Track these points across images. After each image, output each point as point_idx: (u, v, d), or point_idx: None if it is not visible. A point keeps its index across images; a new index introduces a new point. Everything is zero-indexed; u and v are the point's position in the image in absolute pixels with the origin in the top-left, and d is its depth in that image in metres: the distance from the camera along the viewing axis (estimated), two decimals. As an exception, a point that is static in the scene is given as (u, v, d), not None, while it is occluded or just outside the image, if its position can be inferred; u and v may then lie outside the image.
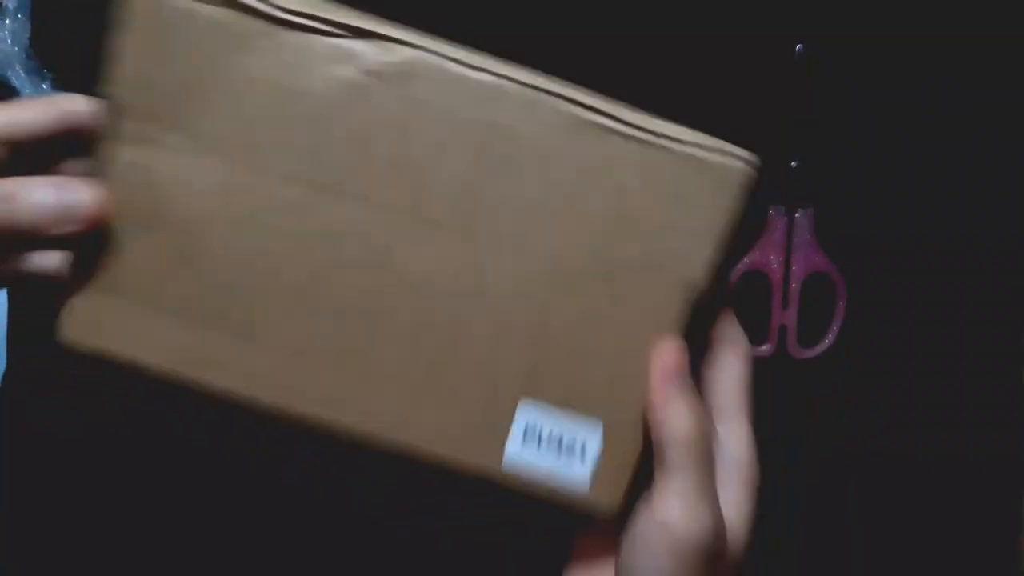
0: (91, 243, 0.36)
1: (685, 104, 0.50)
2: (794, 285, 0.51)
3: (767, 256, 0.51)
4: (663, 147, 0.36)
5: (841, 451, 0.53)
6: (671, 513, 0.36)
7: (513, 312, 0.36)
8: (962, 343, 0.53)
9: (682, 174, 0.36)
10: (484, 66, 0.35)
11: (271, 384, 0.37)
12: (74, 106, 0.37)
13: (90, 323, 0.37)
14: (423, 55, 0.35)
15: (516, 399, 0.37)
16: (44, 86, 0.53)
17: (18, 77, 0.53)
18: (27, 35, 0.53)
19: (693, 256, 0.36)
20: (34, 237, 0.36)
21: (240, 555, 0.53)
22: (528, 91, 0.35)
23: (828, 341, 0.52)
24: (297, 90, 0.35)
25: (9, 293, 0.55)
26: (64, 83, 0.53)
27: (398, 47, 0.35)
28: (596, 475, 0.37)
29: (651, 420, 0.37)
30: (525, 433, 0.37)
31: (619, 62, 0.50)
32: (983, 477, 0.55)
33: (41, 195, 0.35)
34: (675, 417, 0.37)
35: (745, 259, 0.51)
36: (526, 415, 0.37)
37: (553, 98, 0.35)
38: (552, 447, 0.37)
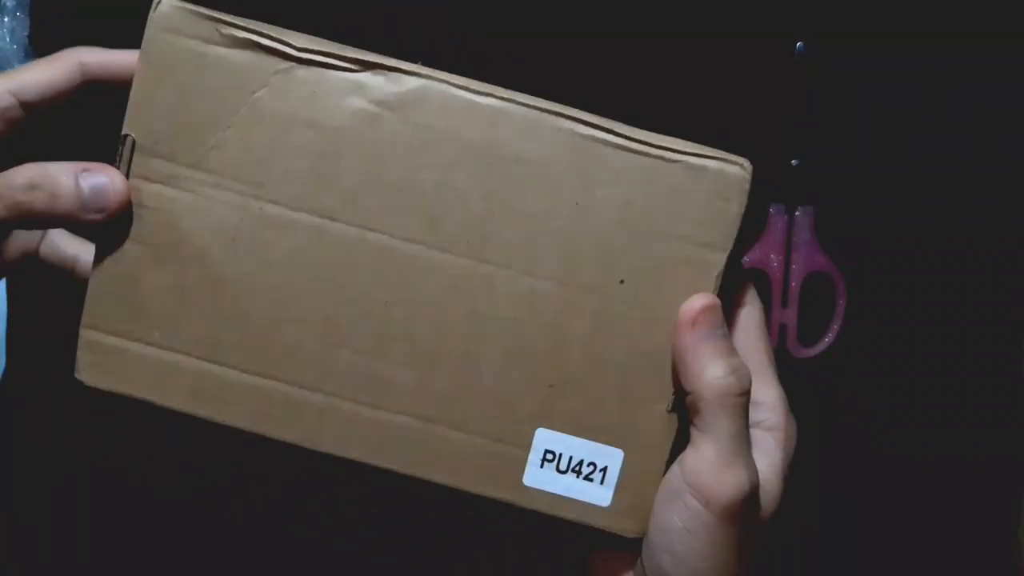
0: (107, 277, 0.37)
1: (686, 103, 0.50)
2: (794, 284, 0.51)
3: (767, 255, 0.51)
4: (662, 157, 0.37)
5: (841, 450, 0.53)
6: (706, 468, 0.35)
7: (527, 332, 0.37)
8: (962, 343, 0.53)
9: (683, 182, 0.36)
10: (487, 91, 0.37)
11: (288, 420, 0.37)
12: (89, 56, 0.37)
13: (107, 365, 0.37)
14: (429, 83, 0.36)
15: (534, 424, 0.37)
16: (43, 84, 0.53)
17: (17, 75, 0.53)
18: (26, 33, 0.53)
19: (701, 265, 0.37)
20: (54, 223, 0.36)
21: (240, 555, 0.53)
22: (530, 111, 0.36)
23: (828, 340, 0.52)
24: (311, 122, 0.36)
25: (9, 293, 0.55)
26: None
27: (405, 77, 0.36)
28: (617, 496, 0.37)
29: (681, 373, 0.36)
30: (543, 460, 0.37)
31: (620, 62, 0.50)
32: (983, 476, 0.55)
33: (67, 181, 0.35)
34: (708, 366, 0.36)
35: (745, 257, 0.51)
36: (544, 442, 0.37)
37: (554, 117, 0.37)
38: (571, 473, 0.37)
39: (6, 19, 0.53)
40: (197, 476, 0.52)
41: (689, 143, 0.37)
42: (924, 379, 0.53)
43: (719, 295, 0.37)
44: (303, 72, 0.36)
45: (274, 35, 0.36)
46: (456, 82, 0.37)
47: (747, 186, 0.37)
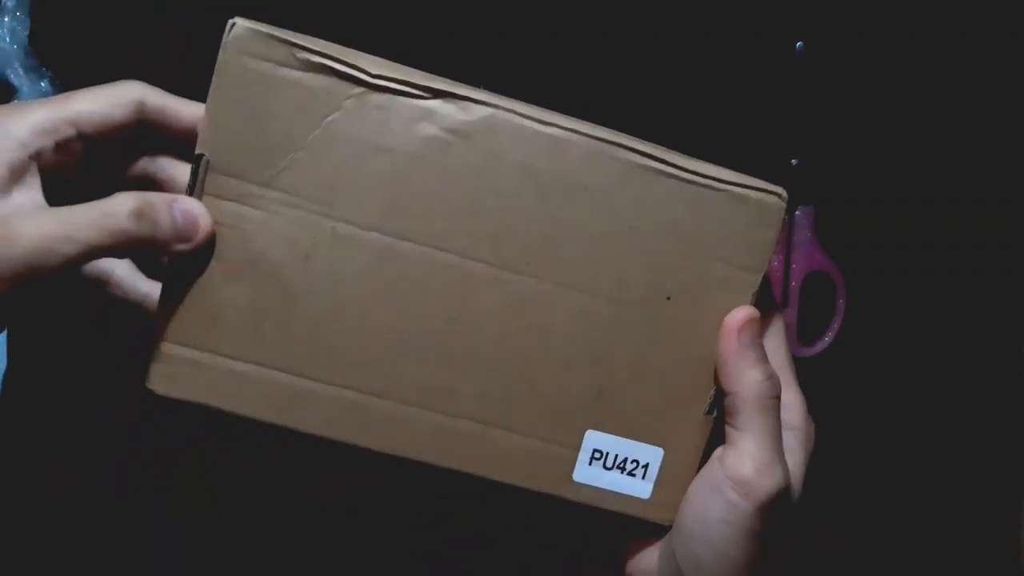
0: (180, 291, 0.38)
1: (686, 103, 0.50)
2: (794, 283, 0.51)
3: (767, 255, 0.51)
4: (709, 186, 0.39)
5: (841, 449, 0.53)
6: (747, 462, 0.38)
7: (581, 345, 0.40)
8: (962, 343, 0.53)
9: (727, 209, 0.39)
10: (552, 120, 0.38)
11: (357, 426, 0.39)
12: (152, 99, 0.38)
13: (179, 375, 0.39)
14: (497, 112, 0.38)
15: (584, 427, 0.40)
16: (43, 84, 0.53)
17: (17, 75, 0.53)
18: (26, 33, 0.53)
19: (739, 284, 0.40)
20: (149, 252, 0.37)
21: (241, 555, 0.53)
22: (592, 142, 0.39)
23: (828, 339, 0.52)
24: (381, 147, 0.38)
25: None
26: (63, 81, 0.53)
27: (475, 106, 0.38)
28: (656, 489, 0.41)
29: (723, 376, 0.39)
30: (591, 459, 0.40)
31: (621, 63, 0.50)
32: (983, 477, 0.54)
33: (167, 211, 0.36)
34: (749, 370, 0.39)
35: (745, 258, 0.51)
36: (593, 442, 0.40)
37: (613, 147, 0.39)
38: (616, 469, 0.41)
39: (6, 19, 0.53)
40: (197, 476, 0.52)
41: (732, 172, 0.39)
42: (924, 379, 0.53)
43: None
44: (376, 98, 0.38)
45: (349, 60, 0.37)
46: (521, 111, 0.38)
47: (783, 215, 0.40)
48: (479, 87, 0.39)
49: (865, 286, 0.52)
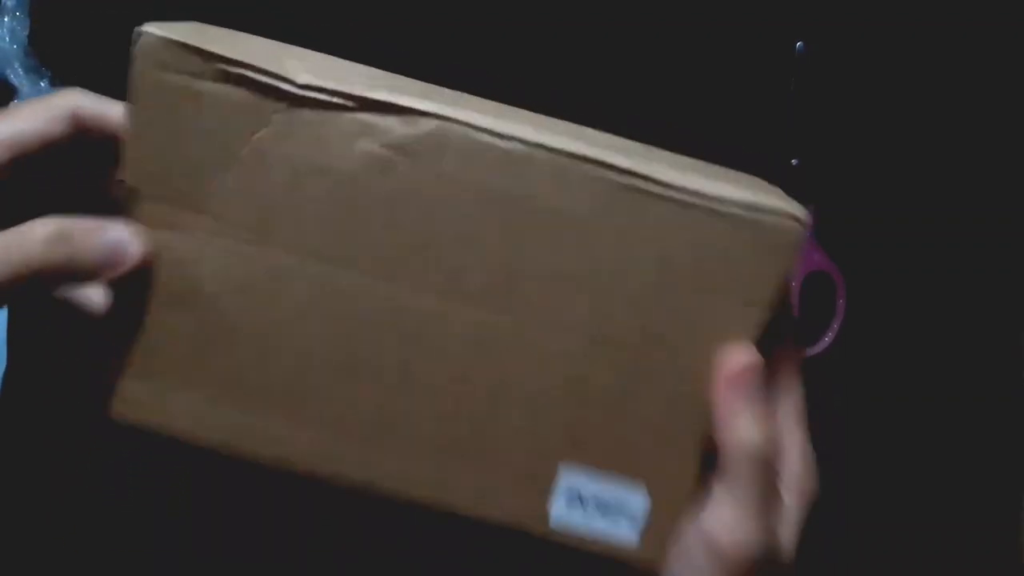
0: (125, 319, 0.35)
1: (686, 103, 0.50)
2: (794, 284, 0.51)
3: (767, 255, 0.51)
4: (713, 210, 0.33)
5: (841, 450, 0.53)
6: (721, 526, 0.35)
7: (552, 377, 0.35)
8: (962, 343, 0.53)
9: (733, 239, 0.33)
10: (512, 133, 0.33)
11: (315, 455, 0.36)
12: (85, 106, 0.35)
13: (136, 401, 0.36)
14: (447, 125, 0.33)
15: (557, 462, 0.36)
16: (43, 84, 0.53)
17: (17, 75, 0.53)
18: (26, 33, 0.53)
19: (743, 318, 0.34)
20: (69, 281, 0.34)
21: (240, 555, 0.53)
22: (560, 158, 0.33)
23: (828, 340, 0.52)
24: (316, 167, 0.34)
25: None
26: (63, 81, 0.53)
27: (420, 119, 0.33)
28: (645, 532, 0.36)
29: (716, 424, 0.35)
30: (568, 496, 0.36)
31: (621, 63, 0.50)
32: (983, 477, 0.54)
33: (87, 237, 0.33)
34: (742, 426, 0.35)
35: (745, 258, 0.51)
36: (568, 478, 0.36)
37: (586, 164, 0.33)
38: (597, 508, 0.36)
39: (6, 19, 0.53)
40: (197, 476, 0.52)
41: (739, 188, 0.34)
42: (924, 379, 0.53)
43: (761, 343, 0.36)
44: (306, 112, 0.33)
45: (272, 70, 0.33)
46: (476, 123, 0.33)
47: (802, 241, 0.33)
48: (465, 88, 0.35)
49: (865, 286, 0.52)
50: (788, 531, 0.37)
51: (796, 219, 0.33)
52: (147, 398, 0.36)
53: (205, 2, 0.50)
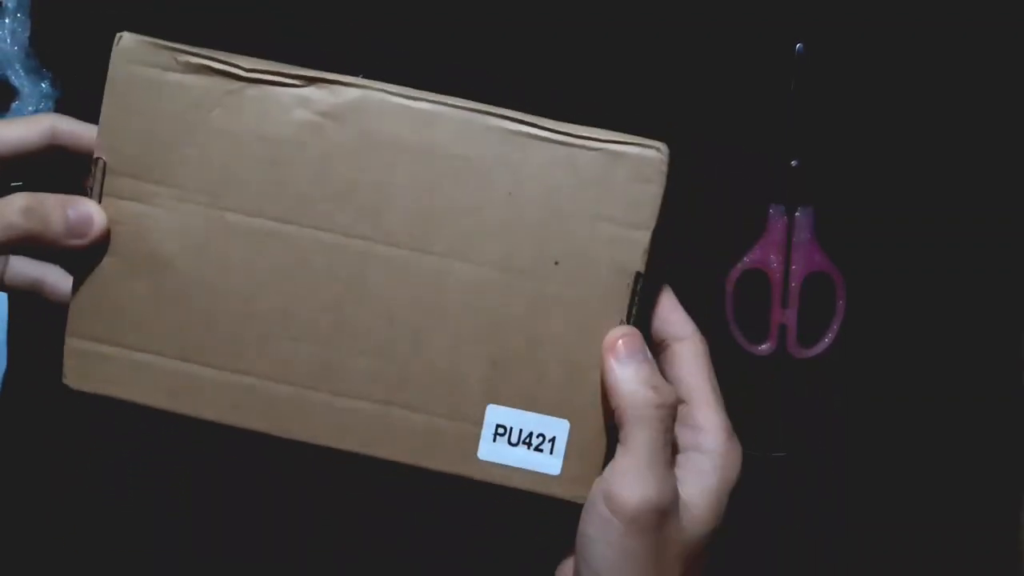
0: (87, 288, 0.41)
1: (686, 103, 0.50)
2: (794, 284, 0.51)
3: (767, 255, 0.51)
4: (584, 147, 0.40)
5: (841, 450, 0.53)
6: (618, 476, 0.37)
7: (471, 312, 0.40)
8: (962, 343, 0.53)
9: (606, 168, 0.40)
10: (421, 96, 0.40)
11: (253, 412, 0.41)
12: (62, 125, 0.41)
13: (90, 370, 0.41)
14: (367, 92, 0.40)
15: (484, 402, 0.40)
16: (43, 85, 0.53)
17: (17, 76, 0.53)
18: (27, 34, 0.53)
19: (627, 243, 0.40)
20: (41, 247, 0.39)
21: (240, 555, 0.53)
22: (462, 112, 0.40)
23: (828, 341, 0.52)
24: (260, 135, 0.40)
25: (10, 294, 0.55)
26: (63, 82, 0.54)
27: (345, 88, 0.40)
28: (566, 465, 0.40)
29: (607, 392, 0.39)
30: (495, 434, 0.40)
31: (619, 62, 0.50)
32: (983, 477, 0.54)
33: (57, 210, 0.39)
34: (625, 379, 0.38)
35: (745, 258, 0.51)
36: (495, 417, 0.40)
37: (484, 116, 0.40)
38: (522, 444, 0.40)
39: (7, 20, 0.53)
40: (196, 475, 0.52)
41: (609, 132, 0.40)
42: (924, 379, 0.53)
43: (654, 275, 0.40)
44: (252, 91, 0.40)
45: (224, 59, 0.40)
46: (392, 90, 0.40)
47: (665, 168, 0.40)
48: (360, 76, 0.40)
49: (865, 286, 0.52)
50: (705, 496, 0.39)
51: (657, 149, 0.40)
52: (102, 365, 0.41)
53: (204, 2, 0.50)
